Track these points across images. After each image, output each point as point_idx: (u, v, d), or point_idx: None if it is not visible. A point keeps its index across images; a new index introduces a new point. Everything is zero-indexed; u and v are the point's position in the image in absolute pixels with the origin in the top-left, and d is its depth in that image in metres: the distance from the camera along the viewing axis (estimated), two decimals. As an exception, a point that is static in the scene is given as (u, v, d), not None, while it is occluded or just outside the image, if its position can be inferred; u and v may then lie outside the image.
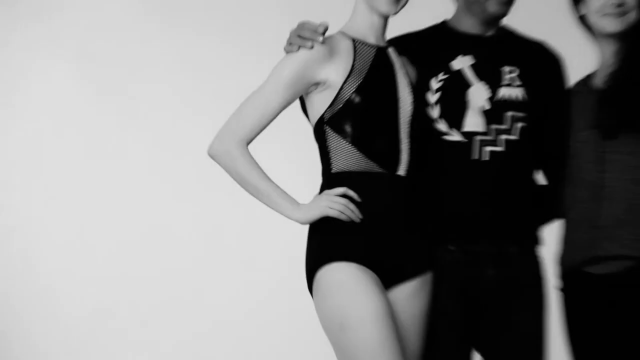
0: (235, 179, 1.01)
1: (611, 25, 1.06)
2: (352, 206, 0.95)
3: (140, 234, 2.54)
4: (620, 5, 1.04)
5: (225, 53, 2.53)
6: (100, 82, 2.58)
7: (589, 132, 1.07)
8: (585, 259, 1.06)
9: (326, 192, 0.98)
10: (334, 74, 0.97)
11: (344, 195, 0.95)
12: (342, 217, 0.94)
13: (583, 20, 1.13)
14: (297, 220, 0.98)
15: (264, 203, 1.00)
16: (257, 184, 0.98)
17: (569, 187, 1.09)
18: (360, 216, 0.95)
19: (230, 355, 2.47)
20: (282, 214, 0.99)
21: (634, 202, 1.04)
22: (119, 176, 2.53)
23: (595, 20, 1.08)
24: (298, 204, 0.98)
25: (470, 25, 1.13)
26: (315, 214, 0.96)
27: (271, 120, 1.00)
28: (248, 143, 0.99)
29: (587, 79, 1.16)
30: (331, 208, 0.94)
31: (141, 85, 2.56)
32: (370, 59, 1.00)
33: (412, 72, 1.09)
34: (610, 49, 1.10)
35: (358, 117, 0.97)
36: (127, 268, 2.50)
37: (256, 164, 0.99)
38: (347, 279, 0.93)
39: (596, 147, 1.06)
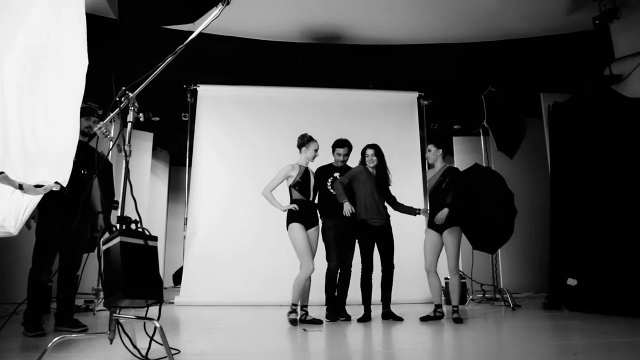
0: (269, 201, 4.32)
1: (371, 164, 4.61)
2: (296, 207, 4.28)
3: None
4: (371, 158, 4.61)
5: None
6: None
7: (371, 185, 4.55)
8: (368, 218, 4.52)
9: (288, 205, 4.32)
10: (295, 174, 4.35)
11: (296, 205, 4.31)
12: (294, 208, 4.28)
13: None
14: (283, 210, 4.31)
15: (276, 207, 4.31)
16: (274, 203, 4.31)
17: (359, 200, 4.55)
18: (298, 209, 4.28)
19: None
20: (281, 210, 4.31)
21: (384, 206, 4.62)
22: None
23: (366, 162, 4.64)
24: (284, 207, 4.30)
25: (339, 164, 4.75)
26: (287, 208, 4.29)
27: (277, 186, 4.37)
28: (272, 190, 4.32)
29: (366, 169, 4.61)
30: (290, 208, 4.28)
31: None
32: (303, 170, 4.41)
33: (314, 176, 4.52)
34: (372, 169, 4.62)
35: (301, 185, 4.35)
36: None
37: (273, 197, 4.32)
38: (297, 227, 4.23)
39: (372, 189, 4.55)
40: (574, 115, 5.42)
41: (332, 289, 4.56)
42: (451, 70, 6.97)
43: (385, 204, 4.66)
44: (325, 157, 4.86)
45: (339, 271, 4.57)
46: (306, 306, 4.30)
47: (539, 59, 6.59)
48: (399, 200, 4.73)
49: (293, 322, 4.15)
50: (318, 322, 4.23)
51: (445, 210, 4.36)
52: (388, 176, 4.64)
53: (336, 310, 4.54)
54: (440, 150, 4.67)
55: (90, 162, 3.82)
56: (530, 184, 7.49)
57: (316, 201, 4.52)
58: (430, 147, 4.69)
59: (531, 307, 5.53)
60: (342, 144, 4.74)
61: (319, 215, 4.57)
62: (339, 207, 4.51)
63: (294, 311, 4.22)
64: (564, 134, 5.53)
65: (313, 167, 4.59)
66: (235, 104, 6.96)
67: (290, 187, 4.37)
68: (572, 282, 4.95)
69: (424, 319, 4.39)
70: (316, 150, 4.44)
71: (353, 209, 4.39)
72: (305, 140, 4.47)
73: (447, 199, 4.46)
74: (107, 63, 5.86)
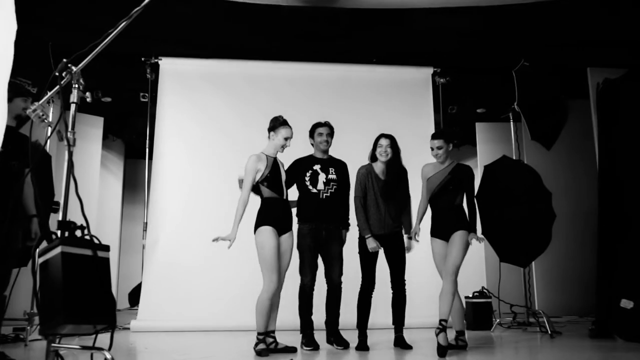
0: (236, 214, 4.29)
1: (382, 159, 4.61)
2: (230, 244, 4.31)
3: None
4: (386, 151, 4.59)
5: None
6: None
7: (375, 193, 4.62)
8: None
9: (229, 236, 4.27)
10: (262, 166, 4.31)
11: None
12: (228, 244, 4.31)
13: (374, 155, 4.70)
14: (229, 239, 4.30)
15: (233, 225, 4.31)
16: (235, 220, 4.28)
17: (370, 210, 4.62)
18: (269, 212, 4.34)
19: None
20: (230, 233, 4.29)
21: (392, 216, 4.61)
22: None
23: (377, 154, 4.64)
24: (230, 234, 4.27)
25: (319, 154, 4.77)
26: (227, 238, 4.29)
27: (251, 186, 4.35)
28: (247, 199, 4.34)
29: (371, 170, 4.68)
30: (229, 241, 4.30)
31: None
32: (272, 161, 4.39)
33: (283, 168, 4.54)
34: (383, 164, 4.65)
35: (270, 180, 4.32)
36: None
37: (244, 211, 4.31)
38: (268, 231, 4.23)
39: (376, 198, 4.61)
40: (631, 95, 5.43)
41: (307, 311, 4.52)
42: (474, 40, 6.95)
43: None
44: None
45: (313, 289, 4.55)
46: (273, 332, 4.29)
47: (585, 26, 6.57)
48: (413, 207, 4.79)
49: (262, 352, 4.09)
50: (291, 350, 4.25)
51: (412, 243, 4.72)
52: (400, 177, 4.65)
53: (310, 335, 4.51)
54: (451, 145, 4.66)
55: (21, 154, 3.77)
56: (572, 182, 7.50)
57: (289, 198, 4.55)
58: (440, 142, 4.56)
59: (574, 334, 5.54)
60: (322, 123, 4.76)
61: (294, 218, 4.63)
62: (318, 209, 4.56)
63: (261, 341, 4.18)
64: (617, 119, 5.53)
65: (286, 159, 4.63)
66: (207, 81, 6.94)
67: (258, 183, 4.34)
68: (627, 304, 4.95)
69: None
70: (287, 139, 4.40)
71: (379, 245, 4.49)
72: (277, 124, 4.42)
73: (455, 200, 4.53)
74: (44, 28, 5.80)
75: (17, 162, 3.78)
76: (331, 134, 4.75)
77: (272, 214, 4.26)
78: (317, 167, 4.67)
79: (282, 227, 4.29)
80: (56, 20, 6.03)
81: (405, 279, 4.60)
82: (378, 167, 4.64)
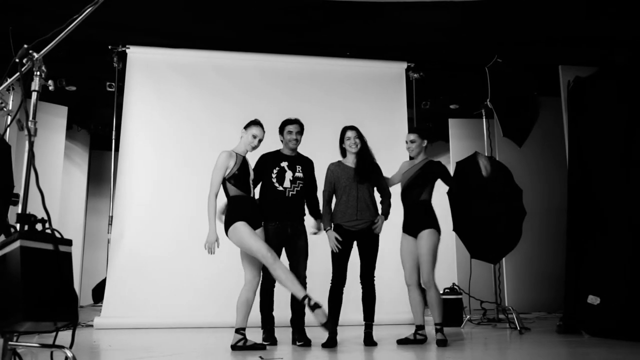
0: (208, 211, 4.26)
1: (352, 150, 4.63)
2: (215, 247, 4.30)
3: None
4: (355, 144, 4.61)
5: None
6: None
7: (347, 180, 4.58)
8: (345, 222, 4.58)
9: (211, 236, 4.25)
10: (232, 164, 4.30)
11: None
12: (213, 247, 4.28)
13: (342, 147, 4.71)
14: (207, 246, 4.27)
15: (209, 222, 4.26)
16: (210, 217, 4.25)
17: (342, 200, 4.60)
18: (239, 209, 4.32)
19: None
20: (210, 228, 4.24)
21: (367, 203, 4.56)
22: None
23: (346, 147, 4.66)
24: (213, 228, 4.24)
25: (287, 151, 4.75)
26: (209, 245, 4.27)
27: (220, 182, 4.31)
28: (217, 193, 4.31)
29: (340, 163, 4.72)
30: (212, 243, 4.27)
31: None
32: (241, 160, 4.37)
33: (251, 167, 4.52)
34: (353, 155, 4.65)
35: (237, 178, 4.32)
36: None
37: (215, 207, 4.28)
38: (242, 225, 4.20)
39: (348, 184, 4.58)
40: (602, 93, 5.49)
41: (269, 307, 4.67)
42: (449, 35, 6.99)
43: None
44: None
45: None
46: (244, 329, 4.29)
47: (558, 23, 6.65)
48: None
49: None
50: (260, 347, 4.27)
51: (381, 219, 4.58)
52: (373, 163, 4.69)
53: (272, 332, 4.68)
54: (425, 142, 4.81)
55: None
56: (543, 179, 7.62)
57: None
58: (414, 137, 4.76)
59: (543, 330, 5.64)
60: (293, 121, 4.75)
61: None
62: (284, 206, 4.59)
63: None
64: (588, 117, 5.60)
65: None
66: (176, 71, 6.88)
67: (225, 179, 4.32)
68: (593, 300, 5.04)
69: (402, 341, 4.52)
70: (255, 137, 4.38)
71: (339, 239, 4.49)
72: (250, 123, 4.47)
73: (420, 195, 4.65)
74: (4, 11, 5.65)
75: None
76: (301, 131, 4.74)
77: (241, 212, 4.25)
78: (284, 164, 4.67)
79: (252, 224, 4.27)
80: (17, 4, 5.89)
81: (375, 276, 4.60)
82: (349, 161, 4.68)
